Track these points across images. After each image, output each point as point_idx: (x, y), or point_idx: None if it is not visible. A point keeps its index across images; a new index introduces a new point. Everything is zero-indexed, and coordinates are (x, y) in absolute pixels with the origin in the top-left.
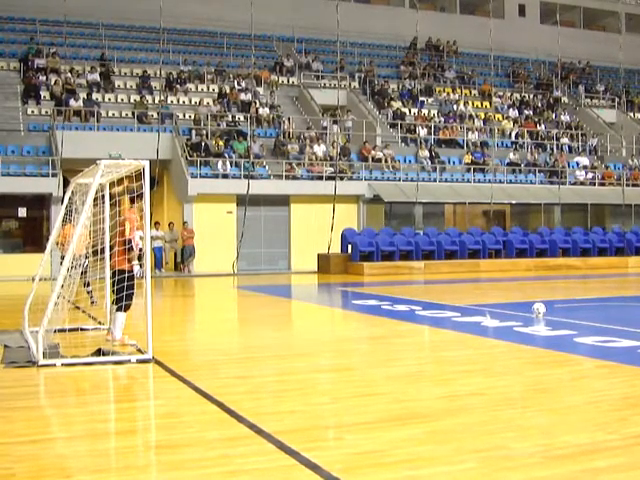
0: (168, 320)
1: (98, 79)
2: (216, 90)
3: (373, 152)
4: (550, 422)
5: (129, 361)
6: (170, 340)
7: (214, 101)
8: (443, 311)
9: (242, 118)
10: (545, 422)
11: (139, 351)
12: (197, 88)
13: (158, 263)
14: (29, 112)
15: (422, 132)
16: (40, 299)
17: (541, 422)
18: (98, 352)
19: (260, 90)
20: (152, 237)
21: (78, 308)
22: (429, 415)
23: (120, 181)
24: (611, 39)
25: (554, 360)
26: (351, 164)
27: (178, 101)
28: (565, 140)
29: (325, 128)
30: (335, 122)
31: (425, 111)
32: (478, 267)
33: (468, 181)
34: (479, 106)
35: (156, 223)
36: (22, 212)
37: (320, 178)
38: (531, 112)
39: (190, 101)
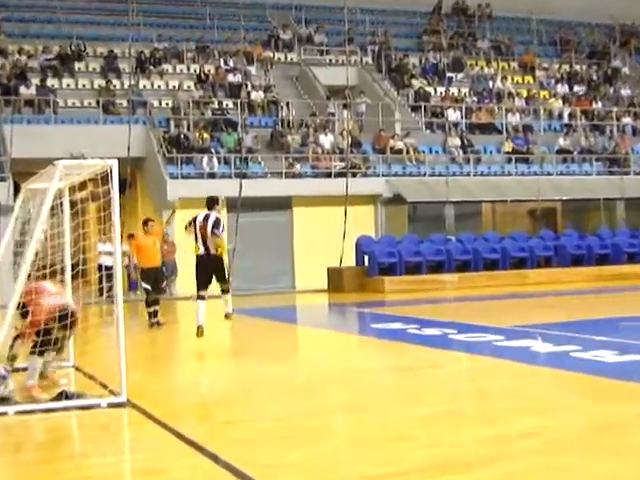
0: (146, 354)
1: (54, 61)
2: (198, 71)
3: (392, 142)
4: (617, 469)
5: (99, 405)
6: (149, 378)
7: (196, 84)
8: (483, 334)
9: (231, 104)
10: (611, 469)
11: (111, 393)
12: (175, 69)
13: (132, 284)
14: None
15: (451, 116)
16: None
17: (606, 469)
18: (60, 396)
19: (252, 70)
20: (124, 253)
21: None
22: (470, 463)
23: (83, 185)
24: None
25: (622, 392)
26: (365, 157)
27: (152, 86)
28: (627, 120)
29: (332, 114)
30: (344, 106)
31: (454, 90)
32: (524, 279)
33: (509, 174)
34: (520, 82)
35: (130, 236)
36: None
37: (328, 175)
38: (584, 87)
39: (167, 85)
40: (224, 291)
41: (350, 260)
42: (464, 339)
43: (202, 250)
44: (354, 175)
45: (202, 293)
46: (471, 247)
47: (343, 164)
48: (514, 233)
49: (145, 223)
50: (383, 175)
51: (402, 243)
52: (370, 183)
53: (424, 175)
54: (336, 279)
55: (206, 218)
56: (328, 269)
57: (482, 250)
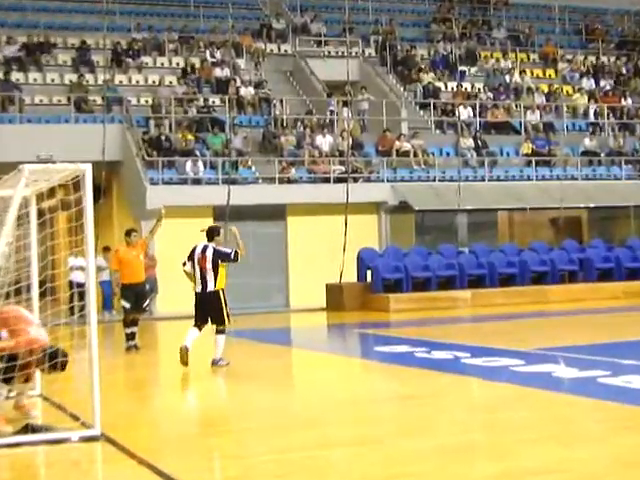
0: (122, 380)
1: (19, 53)
2: (181, 64)
3: (397, 143)
4: None
5: (69, 439)
6: (126, 408)
7: (179, 80)
8: (499, 358)
9: (218, 102)
10: None
11: (83, 425)
12: (155, 62)
13: (107, 303)
14: None
15: (464, 114)
16: None
17: None
18: (26, 429)
19: (241, 63)
20: (99, 268)
21: None
22: None
23: (52, 193)
24: None
25: None
26: (368, 160)
27: (130, 81)
28: None
29: (331, 112)
30: (345, 104)
31: (467, 85)
32: (546, 296)
33: (528, 178)
34: (540, 76)
35: (105, 248)
36: None
37: (326, 181)
38: (612, 81)
39: (146, 80)
40: (218, 332)
41: (351, 275)
42: (478, 363)
43: (199, 287)
44: (355, 180)
45: (199, 324)
46: (486, 261)
47: (343, 168)
48: (534, 244)
49: (128, 234)
50: (388, 180)
51: (409, 256)
52: (373, 189)
53: (433, 180)
54: (335, 297)
55: (204, 250)
56: (326, 285)
57: (498, 264)
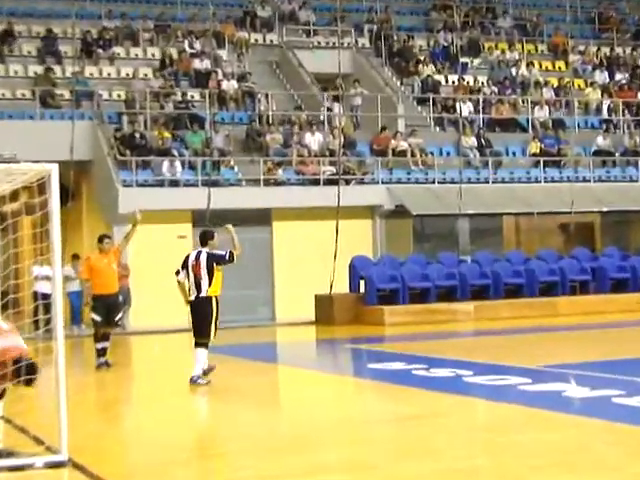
0: (93, 401)
1: None
2: (157, 56)
3: (394, 142)
4: None
5: (33, 466)
6: (95, 431)
7: (155, 72)
8: (505, 376)
9: (197, 96)
10: None
11: (48, 450)
12: (129, 53)
13: (76, 315)
14: None
15: (465, 110)
16: None
17: None
18: None
19: (223, 54)
20: (66, 277)
21: None
22: None
23: (15, 195)
24: None
25: None
26: (361, 161)
27: (100, 73)
28: None
29: (321, 108)
30: (336, 99)
31: (469, 78)
32: (555, 309)
33: (536, 180)
34: (550, 68)
35: (73, 256)
36: None
37: (316, 183)
38: (627, 75)
39: (119, 73)
40: (198, 345)
41: (343, 286)
42: (482, 382)
43: (194, 294)
44: (347, 182)
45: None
46: (490, 270)
47: (334, 169)
48: (542, 253)
49: (100, 240)
50: (383, 182)
51: (406, 265)
52: (367, 192)
53: (433, 182)
54: (325, 309)
55: (198, 256)
56: (316, 297)
57: (503, 274)
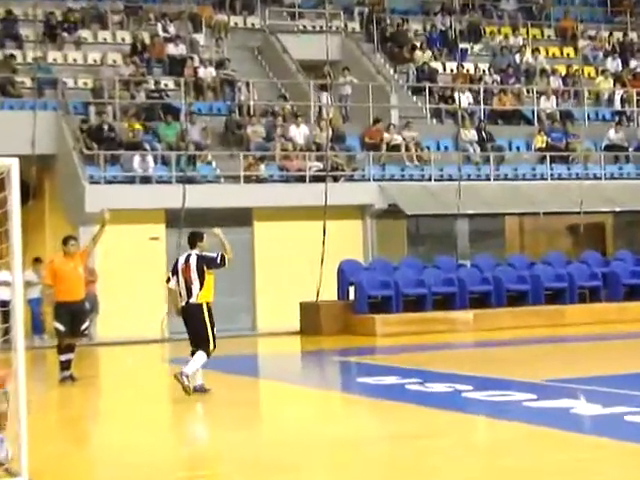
0: (56, 419)
1: None
2: (128, 40)
3: (387, 135)
4: None
5: None
6: (59, 452)
7: (125, 58)
8: (508, 392)
9: (172, 85)
10: None
11: (7, 472)
12: (96, 37)
13: (37, 325)
14: None
15: (465, 100)
16: None
17: None
18: None
19: (200, 39)
20: (28, 283)
21: None
22: None
23: None
24: None
25: None
26: (351, 156)
27: (65, 59)
28: None
29: (307, 98)
30: (324, 88)
31: (469, 66)
32: (563, 318)
33: (542, 178)
34: (557, 55)
35: (35, 260)
36: None
37: (301, 180)
38: None
39: (85, 59)
40: (193, 352)
41: (330, 293)
42: (482, 398)
43: (184, 300)
44: (336, 179)
45: (193, 349)
46: (491, 275)
47: (321, 165)
48: (549, 256)
49: (65, 241)
50: (375, 179)
51: (400, 270)
52: (357, 190)
53: (429, 179)
54: (312, 318)
55: (187, 259)
56: (301, 305)
57: (506, 279)
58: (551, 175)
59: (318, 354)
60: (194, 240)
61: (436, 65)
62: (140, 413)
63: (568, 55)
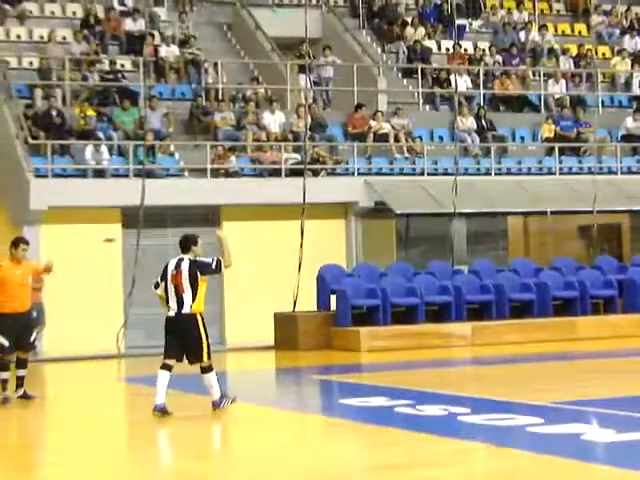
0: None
1: None
2: (79, 14)
3: (373, 123)
4: None
5: None
6: None
7: (75, 34)
8: (510, 415)
9: (129, 65)
10: None
11: None
12: (42, 10)
13: None
14: None
15: (462, 84)
16: None
17: None
18: None
19: (161, 13)
20: None
21: None
22: None
23: None
24: None
25: None
26: (333, 147)
27: (7, 35)
28: None
29: (284, 81)
30: (302, 70)
31: (467, 45)
32: (573, 331)
33: (550, 172)
34: (567, 32)
35: None
36: None
37: (275, 174)
38: None
39: (30, 35)
40: (202, 370)
41: (309, 302)
42: (482, 422)
43: (173, 309)
44: (316, 173)
45: (168, 362)
46: (492, 283)
47: (299, 157)
48: (557, 261)
49: (15, 245)
50: (360, 173)
51: (388, 277)
52: (340, 185)
53: (421, 174)
54: (287, 331)
55: (179, 264)
56: (275, 316)
57: (509, 287)
58: (560, 169)
59: (295, 372)
60: (187, 244)
61: (430, 44)
62: (91, 442)
63: (580, 33)
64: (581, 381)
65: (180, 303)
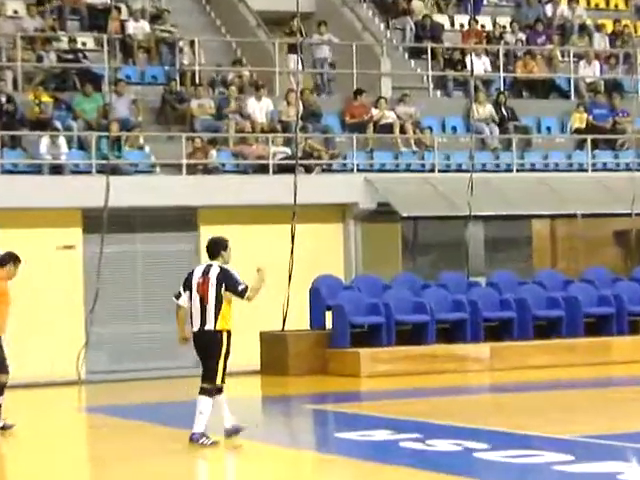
0: None
1: None
2: None
3: (376, 112)
4: None
5: None
6: None
7: (29, 8)
8: (534, 451)
9: (92, 44)
10: None
11: None
12: None
13: None
14: None
15: (480, 66)
16: None
17: None
18: None
19: None
20: None
21: None
22: None
23: None
24: None
25: None
26: (328, 139)
27: None
28: None
29: (272, 63)
30: (293, 49)
31: (485, 20)
32: (608, 353)
33: (580, 169)
34: (601, 6)
35: None
36: None
37: (262, 170)
38: None
39: None
40: (202, 391)
41: (301, 320)
42: (501, 459)
43: (197, 324)
44: (309, 170)
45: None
46: (513, 297)
47: (289, 151)
48: (590, 273)
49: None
50: (359, 170)
51: (393, 290)
52: (337, 184)
53: (431, 170)
54: (276, 353)
55: (207, 270)
56: (262, 335)
57: (533, 303)
58: (593, 165)
59: (284, 401)
60: (216, 249)
61: (441, 19)
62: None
63: (617, 6)
64: (617, 411)
65: (203, 317)
